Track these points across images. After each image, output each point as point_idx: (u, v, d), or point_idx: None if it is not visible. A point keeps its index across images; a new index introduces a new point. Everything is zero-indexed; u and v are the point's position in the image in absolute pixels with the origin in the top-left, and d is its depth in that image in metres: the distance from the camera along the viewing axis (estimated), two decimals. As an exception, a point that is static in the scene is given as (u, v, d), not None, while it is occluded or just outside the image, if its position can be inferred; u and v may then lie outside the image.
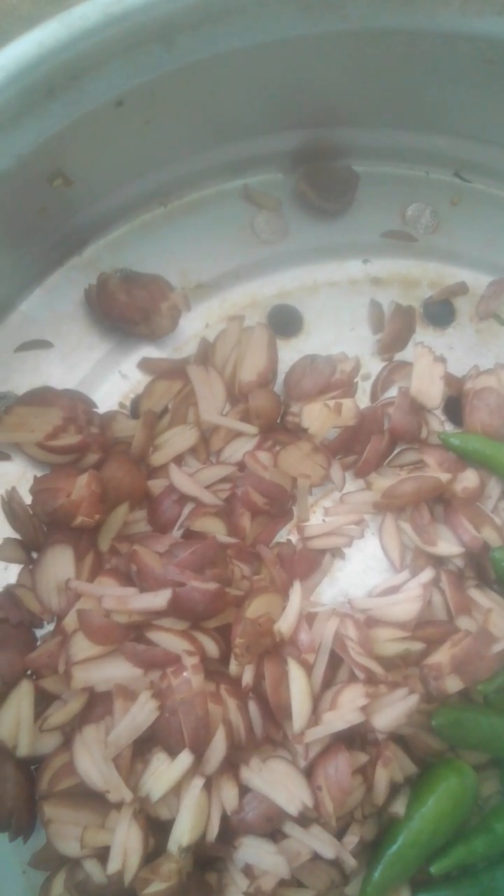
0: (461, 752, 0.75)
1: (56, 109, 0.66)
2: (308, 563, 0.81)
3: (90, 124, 0.71)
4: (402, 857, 0.70)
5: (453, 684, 0.71)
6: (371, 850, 0.72)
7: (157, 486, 0.78)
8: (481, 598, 0.77)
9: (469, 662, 0.72)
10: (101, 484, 0.71)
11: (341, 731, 0.68)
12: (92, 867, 0.64)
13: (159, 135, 0.81)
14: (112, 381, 0.84)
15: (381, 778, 0.69)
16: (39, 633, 0.75)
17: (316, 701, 0.69)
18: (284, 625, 0.69)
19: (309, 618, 0.73)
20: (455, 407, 0.89)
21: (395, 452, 0.87)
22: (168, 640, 0.68)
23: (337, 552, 0.83)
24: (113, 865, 0.62)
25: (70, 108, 0.67)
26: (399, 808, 0.70)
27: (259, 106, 0.85)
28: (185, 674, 0.66)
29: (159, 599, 0.66)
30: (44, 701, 0.69)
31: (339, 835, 0.69)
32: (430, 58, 0.82)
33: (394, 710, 0.69)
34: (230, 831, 0.66)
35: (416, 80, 0.86)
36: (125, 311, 0.81)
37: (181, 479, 0.76)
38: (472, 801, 0.72)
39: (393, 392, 0.88)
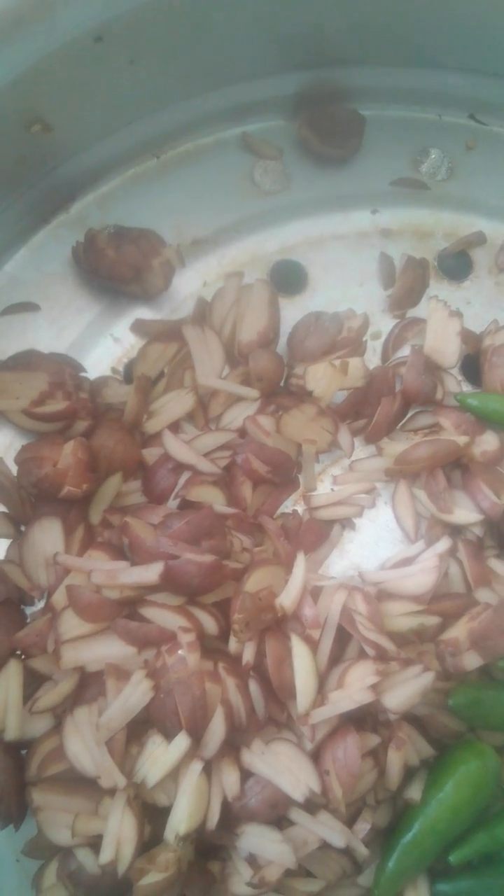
0: (481, 734, 0.70)
1: (25, 43, 0.61)
2: (315, 534, 0.76)
3: (67, 62, 0.66)
4: (418, 846, 0.65)
5: (472, 661, 0.66)
6: (385, 838, 0.67)
7: (151, 454, 0.73)
8: (502, 568, 0.71)
9: (489, 637, 0.66)
10: (88, 452, 0.67)
11: (351, 712, 0.64)
12: (84, 856, 0.60)
13: (147, 77, 0.76)
14: (104, 344, 0.80)
15: (394, 761, 0.64)
16: (30, 610, 0.71)
17: (322, 679, 0.64)
18: (287, 599, 0.65)
19: (315, 592, 0.68)
20: (473, 365, 0.83)
21: (409, 416, 0.81)
22: (162, 616, 0.63)
23: (347, 523, 0.78)
24: (105, 855, 0.58)
25: (41, 42, 0.62)
26: (415, 793, 0.65)
27: (255, 45, 0.79)
28: (180, 652, 0.61)
29: (150, 573, 0.62)
30: (34, 682, 0.66)
31: (351, 821, 0.65)
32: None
33: (407, 689, 0.64)
34: (232, 818, 0.62)
35: (427, 11, 0.79)
36: (114, 269, 0.76)
37: (176, 447, 0.71)
38: (494, 785, 0.67)
39: (405, 351, 0.82)
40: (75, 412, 0.70)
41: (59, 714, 0.64)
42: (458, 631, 0.67)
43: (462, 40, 0.83)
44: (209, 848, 0.65)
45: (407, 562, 0.73)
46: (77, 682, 0.64)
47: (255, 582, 0.64)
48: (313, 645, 0.64)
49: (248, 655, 0.63)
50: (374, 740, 0.64)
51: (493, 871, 0.67)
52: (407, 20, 0.80)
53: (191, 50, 0.76)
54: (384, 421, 0.78)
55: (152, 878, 0.58)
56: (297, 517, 0.76)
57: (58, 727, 0.64)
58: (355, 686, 0.62)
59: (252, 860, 0.62)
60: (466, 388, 0.82)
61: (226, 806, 0.62)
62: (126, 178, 0.83)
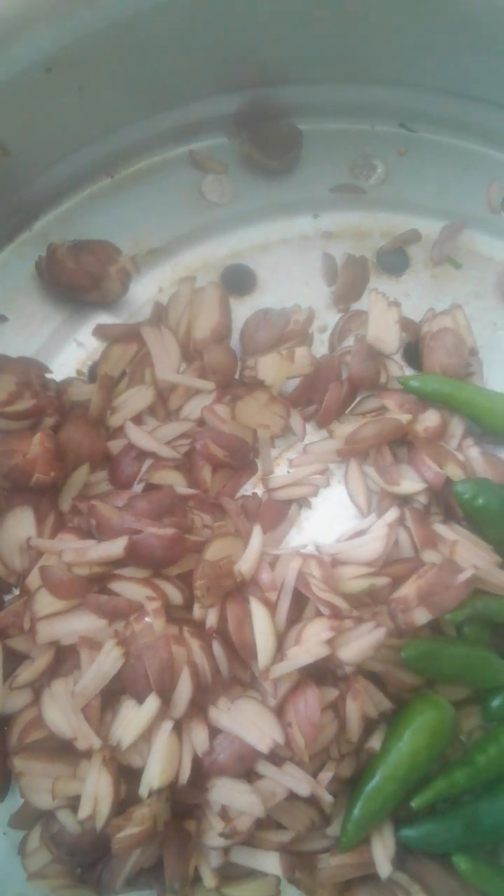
0: (439, 689, 0.75)
1: (-22, 74, 0.67)
2: (274, 513, 0.81)
3: (20, 91, 0.72)
4: (380, 793, 0.69)
5: (421, 616, 0.71)
6: (350, 789, 0.71)
7: (116, 446, 0.78)
8: (447, 532, 0.77)
9: (436, 593, 0.71)
10: (55, 442, 0.72)
11: (311, 669, 0.68)
12: (65, 817, 0.64)
13: (96, 102, 0.82)
14: (69, 350, 0.85)
15: (353, 712, 0.68)
16: (7, 598, 0.76)
17: (281, 639, 0.68)
18: (245, 565, 0.70)
19: (272, 562, 0.73)
20: (414, 351, 0.89)
21: (357, 401, 0.87)
22: (130, 588, 0.68)
23: (303, 502, 0.83)
24: (84, 811, 0.62)
25: (-5, 73, 0.68)
26: (375, 743, 0.70)
27: (195, 69, 0.86)
28: (146, 619, 0.66)
29: (116, 547, 0.67)
30: (13, 661, 0.70)
31: (316, 774, 0.69)
32: (363, 5, 0.83)
33: (360, 643, 0.68)
34: (203, 775, 0.66)
35: (354, 31, 0.86)
36: (75, 278, 0.82)
37: (138, 435, 0.76)
38: (450, 734, 0.72)
39: (350, 341, 0.88)
40: (43, 409, 0.75)
41: (38, 689, 0.69)
42: (408, 589, 0.72)
43: (389, 56, 0.90)
44: (185, 808, 0.69)
45: (360, 534, 0.78)
46: (53, 657, 0.68)
47: (214, 551, 0.69)
48: (271, 607, 0.69)
49: (212, 620, 0.68)
50: (332, 693, 0.68)
51: (453, 814, 0.71)
52: (335, 41, 0.88)
53: (135, 76, 0.83)
54: (333, 405, 0.84)
55: (129, 831, 0.62)
56: (256, 499, 0.81)
57: (37, 701, 0.68)
58: (312, 641, 0.67)
59: (224, 813, 0.66)
60: (409, 372, 0.88)
61: (197, 763, 0.66)
62: (83, 197, 0.90)
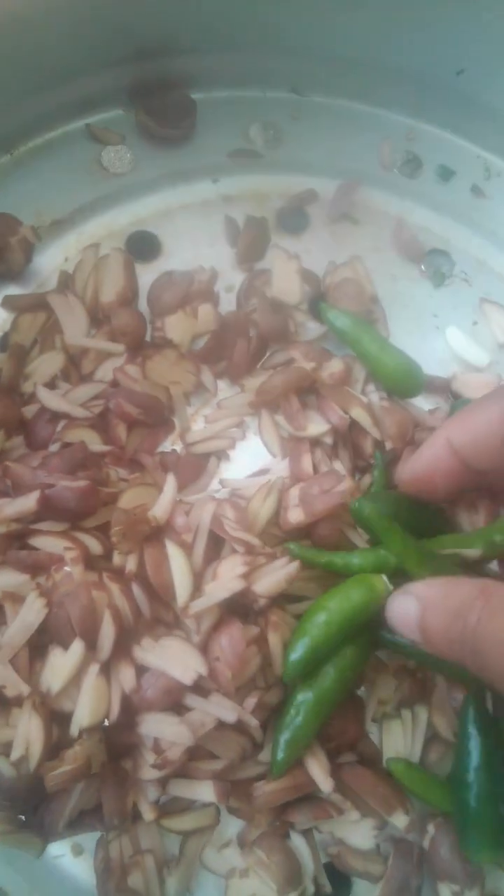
0: None
1: None
2: (193, 467, 0.84)
3: None
4: (305, 708, 0.70)
5: (295, 515, 0.74)
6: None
7: (30, 411, 0.80)
8: (341, 468, 0.80)
9: (311, 495, 0.75)
10: (-36, 408, 0.74)
11: (234, 608, 0.71)
12: (0, 764, 0.66)
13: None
14: (-23, 323, 0.87)
15: (275, 645, 0.72)
16: None
17: (198, 578, 0.71)
18: (159, 510, 0.72)
19: (188, 509, 0.76)
20: (318, 306, 0.92)
21: (267, 356, 0.90)
22: (48, 542, 0.70)
23: (222, 455, 0.86)
24: (16, 753, 0.64)
25: None
26: None
27: (83, 42, 0.88)
28: (66, 568, 0.68)
29: (29, 501, 0.69)
30: None
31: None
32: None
33: (274, 577, 0.71)
34: (133, 713, 0.69)
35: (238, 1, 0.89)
36: (-24, 251, 0.83)
37: (49, 397, 0.78)
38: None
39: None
40: (-48, 379, 0.77)
41: (-35, 646, 0.70)
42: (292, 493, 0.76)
43: (278, 25, 0.93)
44: (122, 751, 0.71)
45: (264, 472, 0.82)
46: (-22, 615, 0.70)
47: (128, 499, 0.72)
48: (187, 548, 0.72)
49: (131, 565, 0.70)
50: (254, 630, 0.71)
51: None
52: (222, 10, 0.91)
53: (23, 52, 0.84)
54: (241, 360, 0.87)
55: (61, 769, 0.64)
56: (175, 454, 0.84)
57: (-35, 657, 0.69)
58: (227, 577, 0.70)
59: (156, 746, 0.69)
60: (314, 324, 0.92)
61: (128, 705, 0.69)
62: (-17, 176, 0.91)
